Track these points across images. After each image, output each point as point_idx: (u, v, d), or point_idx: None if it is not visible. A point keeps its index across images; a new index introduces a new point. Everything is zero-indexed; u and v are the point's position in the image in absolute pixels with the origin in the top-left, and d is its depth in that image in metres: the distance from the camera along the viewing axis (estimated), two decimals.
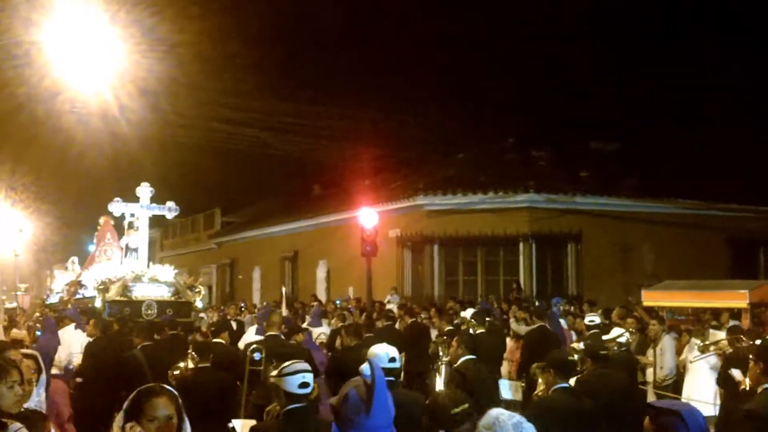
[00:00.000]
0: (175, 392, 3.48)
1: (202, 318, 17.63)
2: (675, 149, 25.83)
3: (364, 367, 3.50)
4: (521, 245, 22.17)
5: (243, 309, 22.02)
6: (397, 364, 5.69)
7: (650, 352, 11.54)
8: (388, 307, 17.76)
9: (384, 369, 4.29)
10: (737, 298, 12.95)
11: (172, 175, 33.82)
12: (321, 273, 28.20)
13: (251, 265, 33.95)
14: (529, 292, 21.29)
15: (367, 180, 28.99)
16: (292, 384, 4.69)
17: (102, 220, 20.33)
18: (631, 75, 31.48)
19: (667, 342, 11.59)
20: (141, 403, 3.38)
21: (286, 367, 4.84)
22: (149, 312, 15.89)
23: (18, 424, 4.27)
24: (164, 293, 16.77)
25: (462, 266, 23.09)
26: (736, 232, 23.38)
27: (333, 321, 16.05)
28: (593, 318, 11.85)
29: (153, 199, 17.91)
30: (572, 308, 17.08)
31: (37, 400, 5.84)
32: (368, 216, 18.87)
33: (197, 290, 17.68)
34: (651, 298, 14.89)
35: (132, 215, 17.83)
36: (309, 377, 4.75)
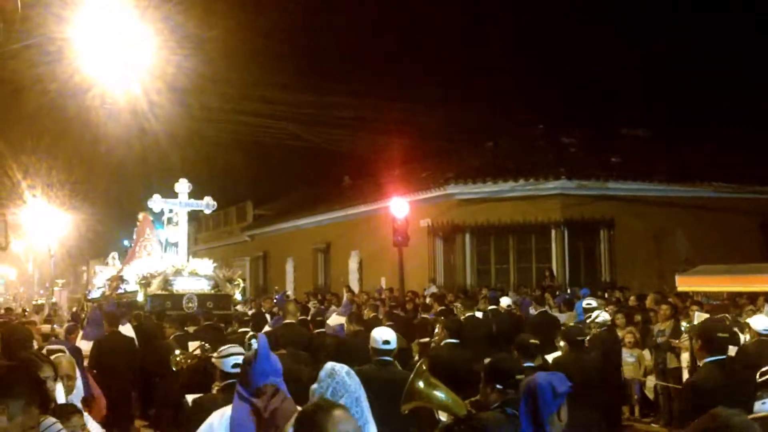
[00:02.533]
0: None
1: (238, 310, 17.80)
2: (708, 132, 25.53)
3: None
4: (553, 232, 22.05)
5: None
6: (390, 346, 6.49)
7: (685, 336, 11.48)
8: (428, 300, 17.74)
9: (378, 349, 6.42)
10: None
11: (204, 169, 34.05)
12: (353, 264, 28.27)
13: (284, 257, 34.11)
14: (561, 280, 21.19)
15: (397, 170, 28.98)
16: (227, 364, 5.57)
17: (140, 215, 20.63)
18: (661, 57, 31.10)
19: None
20: None
21: (222, 351, 5.78)
22: (190, 305, 16.16)
23: (52, 419, 4.34)
24: (204, 286, 17.02)
25: (494, 255, 23.03)
26: None
27: (365, 311, 16.10)
28: (590, 302, 12.12)
29: (189, 193, 18.10)
30: (605, 295, 16.98)
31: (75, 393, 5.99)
32: (399, 206, 18.90)
33: (236, 283, 17.89)
34: (685, 284, 14.79)
35: (170, 211, 18.05)
36: (240, 359, 5.27)
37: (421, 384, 5.10)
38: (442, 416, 5.22)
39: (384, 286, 23.08)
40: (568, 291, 18.77)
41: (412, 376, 5.16)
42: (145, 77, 13.08)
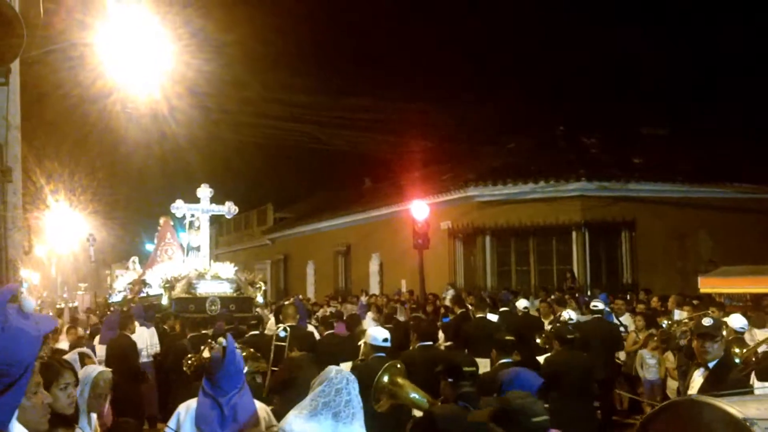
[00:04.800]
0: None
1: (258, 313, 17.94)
2: (729, 132, 25.35)
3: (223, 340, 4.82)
4: (574, 234, 21.96)
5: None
6: (387, 344, 7.29)
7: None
8: (446, 303, 17.76)
9: (376, 346, 7.19)
10: None
11: (224, 173, 34.28)
12: (374, 266, 28.30)
13: (305, 260, 34.21)
14: (583, 281, 21.10)
15: (417, 172, 29.01)
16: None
17: (162, 220, 20.84)
18: (681, 56, 30.95)
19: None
20: None
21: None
22: (213, 308, 16.38)
23: None
24: (226, 289, 17.27)
25: (514, 256, 22.97)
26: None
27: (386, 313, 16.13)
28: (597, 303, 12.20)
29: (210, 199, 18.30)
30: (626, 297, 16.91)
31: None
32: (419, 208, 18.92)
33: (258, 286, 18.09)
34: (708, 285, 14.67)
35: (192, 215, 18.26)
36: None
37: (385, 379, 5.65)
38: (417, 413, 5.64)
39: (404, 289, 23.07)
40: (588, 294, 18.71)
41: (378, 375, 5.65)
42: (166, 82, 13.16)
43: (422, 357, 7.99)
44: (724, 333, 8.65)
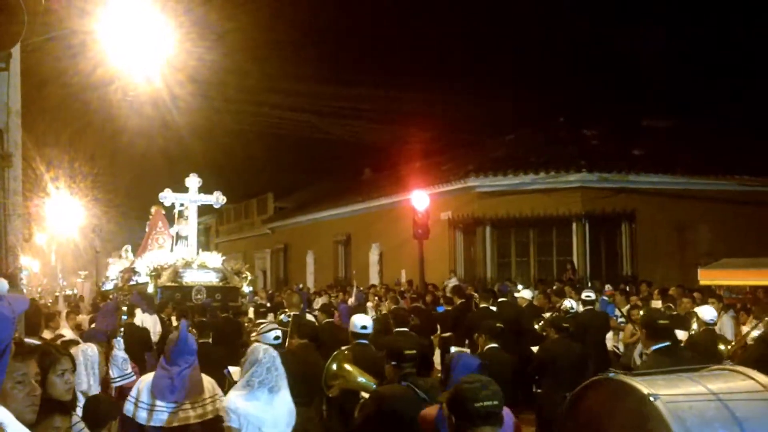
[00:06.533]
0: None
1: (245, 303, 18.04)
2: (730, 124, 25.31)
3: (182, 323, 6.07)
4: (574, 225, 21.96)
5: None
6: (367, 331, 7.74)
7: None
8: (448, 293, 17.80)
9: (357, 333, 7.68)
10: None
11: (225, 162, 34.24)
12: (374, 256, 28.31)
13: (305, 249, 34.22)
14: (582, 273, 21.11)
15: (417, 162, 28.98)
16: (269, 338, 6.93)
17: (153, 209, 20.89)
18: (683, 48, 30.90)
19: (725, 321, 11.48)
20: None
21: (262, 328, 7.49)
22: (199, 296, 16.52)
23: (77, 418, 4.37)
24: (213, 279, 17.39)
25: (514, 247, 22.97)
26: None
27: (387, 303, 16.16)
28: (589, 294, 12.35)
29: (205, 187, 18.38)
30: (626, 288, 16.90)
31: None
32: (420, 198, 18.90)
33: (244, 276, 18.18)
34: (708, 277, 14.71)
35: (181, 205, 18.36)
36: (279, 332, 7.26)
37: (334, 367, 6.29)
38: (365, 395, 6.02)
39: (404, 279, 23.08)
40: (589, 285, 18.72)
41: (327, 363, 6.34)
42: (167, 70, 13.13)
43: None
44: (695, 325, 8.81)
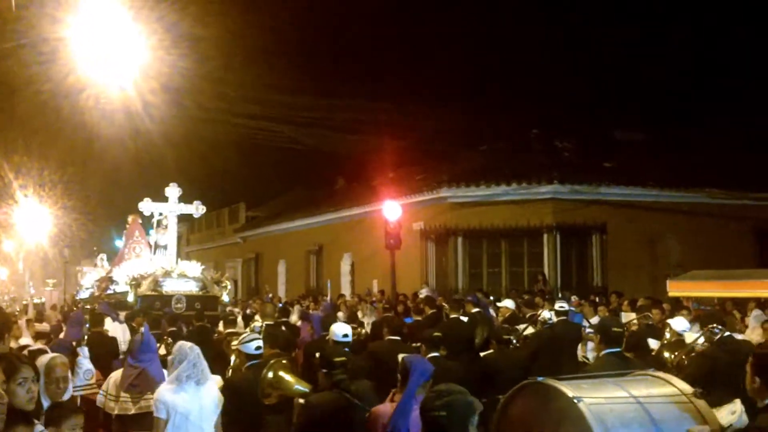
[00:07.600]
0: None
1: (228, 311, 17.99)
2: (700, 138, 25.57)
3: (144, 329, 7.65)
4: (545, 237, 22.05)
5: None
6: (348, 339, 8.12)
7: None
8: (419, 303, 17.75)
9: (338, 341, 7.92)
10: (764, 288, 12.83)
11: (197, 170, 34.02)
12: (345, 266, 28.26)
13: (276, 259, 34.10)
14: (553, 284, 21.20)
15: (390, 173, 28.97)
16: (250, 348, 7.17)
17: (130, 218, 20.76)
18: (656, 62, 31.20)
19: (695, 333, 11.55)
20: None
21: (243, 338, 7.51)
22: (179, 305, 16.48)
23: (40, 427, 4.30)
24: (192, 288, 17.35)
25: (486, 258, 23.02)
26: (762, 221, 22.98)
27: (359, 314, 16.11)
28: (563, 304, 12.27)
29: (179, 196, 18.28)
30: (596, 299, 16.98)
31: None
32: (392, 209, 18.91)
33: (223, 285, 18.14)
34: (677, 289, 14.80)
35: (160, 214, 18.29)
36: (261, 343, 7.34)
37: (270, 375, 6.55)
38: (302, 400, 6.25)
39: (376, 289, 23.04)
40: (560, 295, 18.78)
41: (264, 371, 6.61)
42: (140, 77, 13.05)
43: (388, 349, 8.55)
44: (667, 335, 8.93)
